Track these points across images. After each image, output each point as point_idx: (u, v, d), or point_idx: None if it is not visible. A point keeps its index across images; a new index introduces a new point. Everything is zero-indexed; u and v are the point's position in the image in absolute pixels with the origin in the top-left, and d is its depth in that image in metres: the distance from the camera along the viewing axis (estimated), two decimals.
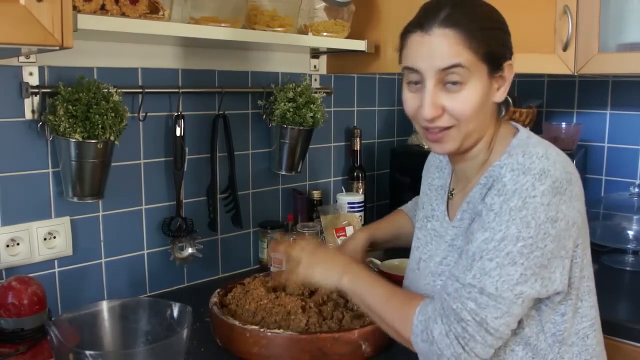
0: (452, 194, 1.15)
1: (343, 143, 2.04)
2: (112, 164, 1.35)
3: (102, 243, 1.46)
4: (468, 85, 0.98)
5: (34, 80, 1.30)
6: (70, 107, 1.24)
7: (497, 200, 0.93)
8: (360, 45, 1.73)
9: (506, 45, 1.02)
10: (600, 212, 1.86)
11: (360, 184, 2.00)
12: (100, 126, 1.25)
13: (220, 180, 1.65)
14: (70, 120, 1.23)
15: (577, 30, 1.68)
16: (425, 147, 1.89)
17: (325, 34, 1.67)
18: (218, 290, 1.34)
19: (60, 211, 1.37)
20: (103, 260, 1.46)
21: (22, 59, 1.28)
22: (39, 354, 1.13)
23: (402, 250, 1.45)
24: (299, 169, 1.78)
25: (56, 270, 1.39)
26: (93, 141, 1.26)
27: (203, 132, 1.62)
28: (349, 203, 1.87)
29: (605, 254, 1.79)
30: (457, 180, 1.15)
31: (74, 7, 1.10)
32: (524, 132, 1.05)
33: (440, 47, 0.97)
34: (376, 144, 2.18)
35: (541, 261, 0.92)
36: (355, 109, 2.08)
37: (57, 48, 1.01)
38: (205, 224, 1.63)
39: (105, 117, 1.25)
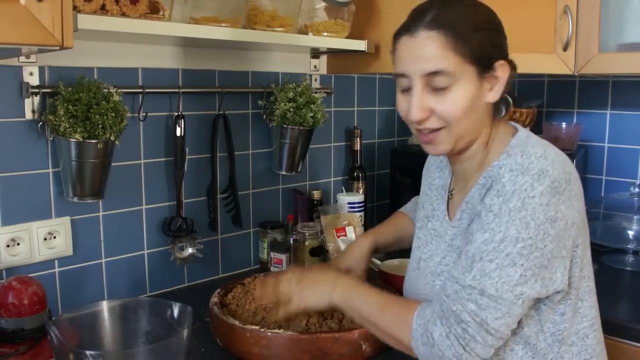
0: (452, 194, 1.15)
1: (343, 143, 2.04)
2: (113, 164, 1.35)
3: (102, 243, 1.46)
4: (455, 88, 0.98)
5: (34, 80, 1.30)
6: (70, 107, 1.24)
7: (497, 201, 0.93)
8: (360, 45, 1.72)
9: (497, 45, 1.01)
10: (601, 212, 1.86)
11: (361, 184, 2.00)
12: (100, 126, 1.25)
13: (221, 180, 1.65)
14: (71, 120, 1.23)
15: (578, 30, 1.68)
16: None
17: (325, 34, 1.67)
18: (218, 290, 1.34)
19: (60, 211, 1.37)
20: (103, 260, 1.46)
21: (22, 59, 1.28)
22: (39, 354, 1.13)
23: (403, 250, 1.45)
24: (299, 169, 1.78)
25: (56, 270, 1.39)
26: (93, 141, 1.26)
27: (203, 132, 1.62)
28: (349, 203, 1.87)
29: (605, 254, 1.79)
30: (456, 180, 1.15)
31: (74, 7, 1.10)
32: (523, 132, 1.05)
33: (425, 49, 0.98)
34: (376, 144, 2.18)
35: (541, 261, 0.92)
36: (356, 109, 2.07)
37: (58, 48, 1.01)
38: (205, 224, 1.63)
39: (105, 117, 1.25)
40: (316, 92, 1.82)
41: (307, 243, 1.68)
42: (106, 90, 1.30)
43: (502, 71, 1.01)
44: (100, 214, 1.45)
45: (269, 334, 1.13)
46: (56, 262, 1.38)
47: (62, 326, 1.00)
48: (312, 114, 1.68)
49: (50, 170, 1.35)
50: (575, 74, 1.71)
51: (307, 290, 1.13)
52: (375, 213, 2.16)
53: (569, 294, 0.99)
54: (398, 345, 1.03)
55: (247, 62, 1.72)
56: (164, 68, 1.53)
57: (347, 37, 1.72)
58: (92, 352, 0.92)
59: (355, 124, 2.06)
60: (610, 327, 1.29)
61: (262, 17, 1.52)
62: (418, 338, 0.97)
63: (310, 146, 1.79)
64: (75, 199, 1.31)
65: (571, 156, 1.84)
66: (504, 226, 0.92)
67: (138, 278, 1.54)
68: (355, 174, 2.01)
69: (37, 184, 1.34)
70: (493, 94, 1.02)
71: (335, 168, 2.03)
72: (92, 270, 1.45)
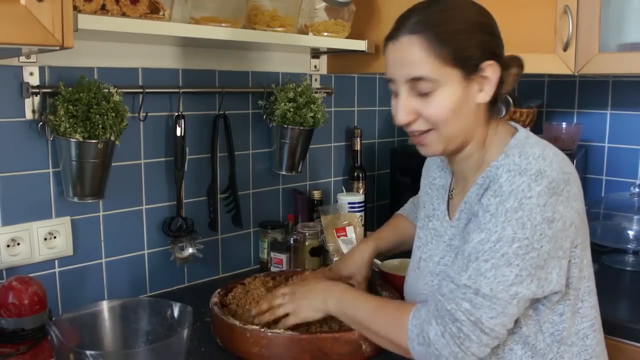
0: (452, 194, 1.15)
1: (343, 143, 2.04)
2: (113, 164, 1.35)
3: (102, 243, 1.46)
4: (439, 92, 0.98)
5: (34, 80, 1.30)
6: (70, 107, 1.24)
7: (493, 202, 0.93)
8: (360, 45, 1.72)
9: (482, 46, 0.99)
10: (601, 212, 1.85)
11: (361, 184, 2.00)
12: (100, 126, 1.25)
13: (221, 180, 1.65)
14: (71, 120, 1.23)
15: (578, 30, 1.68)
16: None
17: (325, 34, 1.67)
18: (218, 290, 1.34)
19: (60, 211, 1.37)
20: (103, 260, 1.46)
21: (22, 59, 1.28)
22: (39, 354, 1.13)
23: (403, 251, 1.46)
24: (299, 169, 1.78)
25: (57, 270, 1.39)
26: (93, 141, 1.26)
27: (203, 132, 1.62)
28: (349, 203, 1.87)
29: (605, 254, 1.79)
30: (457, 180, 1.15)
31: (75, 7, 1.10)
32: (523, 132, 1.05)
33: (406, 54, 0.98)
34: (377, 144, 2.18)
35: (537, 262, 0.92)
36: (356, 109, 2.07)
37: (58, 48, 1.01)
38: (205, 224, 1.63)
39: (105, 117, 1.25)
40: (316, 92, 1.82)
41: (307, 243, 1.68)
42: (106, 90, 1.30)
43: (491, 71, 1.00)
44: (101, 214, 1.45)
45: (269, 334, 1.13)
46: (56, 262, 1.38)
47: (63, 326, 1.00)
48: (312, 114, 1.68)
49: (51, 170, 1.35)
50: (576, 74, 1.71)
51: (301, 301, 1.16)
52: (375, 213, 2.16)
53: (567, 294, 0.99)
54: (395, 348, 1.04)
55: (247, 62, 1.72)
56: (164, 68, 1.53)
57: (347, 37, 1.72)
58: (92, 352, 0.92)
59: (356, 124, 2.06)
60: (610, 327, 1.29)
61: (262, 17, 1.52)
62: (414, 338, 0.98)
63: (311, 146, 1.79)
64: (76, 199, 1.31)
65: (571, 156, 1.84)
66: (500, 226, 0.92)
67: (138, 278, 1.54)
68: (355, 174, 2.01)
69: (38, 184, 1.34)
70: (483, 95, 1.01)
71: (336, 168, 2.03)
72: (92, 270, 1.45)
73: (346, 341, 1.13)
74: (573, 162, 1.03)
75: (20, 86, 1.29)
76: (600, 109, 2.07)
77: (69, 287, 1.41)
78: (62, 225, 1.37)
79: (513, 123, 1.10)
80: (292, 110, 1.65)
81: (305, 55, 1.88)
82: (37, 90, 1.29)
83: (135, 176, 1.50)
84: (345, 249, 1.67)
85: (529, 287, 0.92)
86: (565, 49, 1.68)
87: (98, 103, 1.26)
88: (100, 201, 1.43)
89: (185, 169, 1.55)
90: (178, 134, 1.52)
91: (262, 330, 1.14)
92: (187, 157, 1.56)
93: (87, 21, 1.13)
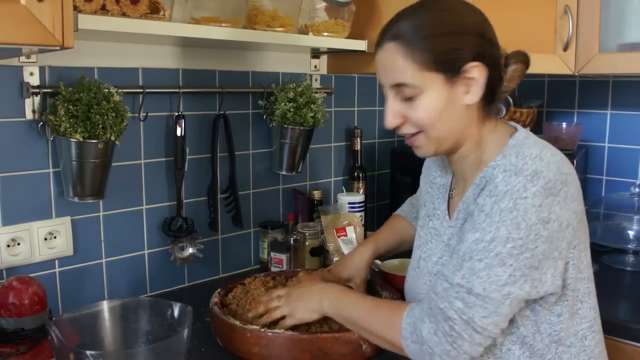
0: (452, 194, 1.16)
1: (343, 143, 2.04)
2: (113, 164, 1.35)
3: (102, 243, 1.46)
4: (422, 96, 0.99)
5: (34, 80, 1.30)
6: (71, 107, 1.24)
7: (489, 201, 0.94)
8: (360, 45, 1.72)
9: (463, 48, 0.98)
10: (601, 212, 1.86)
11: (361, 184, 2.00)
12: (100, 126, 1.25)
13: (221, 180, 1.65)
14: (71, 120, 1.23)
15: (578, 30, 1.68)
16: None
17: (325, 34, 1.67)
18: (218, 290, 1.34)
19: (60, 211, 1.37)
20: (104, 260, 1.46)
21: (22, 59, 1.28)
22: (39, 354, 1.13)
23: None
24: (299, 169, 1.78)
25: (57, 270, 1.39)
26: (94, 141, 1.26)
27: (203, 132, 1.62)
28: (349, 203, 1.87)
29: (605, 254, 1.79)
30: (457, 180, 1.15)
31: (75, 7, 1.10)
32: (522, 133, 1.04)
33: (388, 61, 1.00)
34: (377, 144, 2.18)
35: (531, 262, 0.92)
36: (356, 109, 2.08)
37: (58, 48, 1.01)
38: (205, 224, 1.63)
39: (105, 117, 1.25)
40: (316, 92, 1.82)
41: (307, 243, 1.68)
42: (106, 90, 1.30)
43: (477, 72, 0.99)
44: (101, 214, 1.45)
45: (269, 334, 1.13)
46: (56, 262, 1.38)
47: (63, 326, 1.00)
48: (312, 114, 1.69)
49: (51, 170, 1.35)
50: (576, 74, 1.71)
51: (297, 303, 1.17)
52: (375, 213, 2.16)
53: (565, 295, 0.99)
54: (391, 347, 1.05)
55: (248, 62, 1.72)
56: (165, 68, 1.53)
57: (347, 37, 1.72)
58: (92, 352, 0.92)
59: (356, 124, 2.06)
60: (610, 327, 1.29)
61: (262, 17, 1.52)
62: (408, 337, 0.98)
63: (311, 146, 1.79)
64: (76, 199, 1.31)
65: (571, 156, 1.84)
66: (495, 226, 0.92)
67: (138, 278, 1.54)
68: (355, 174, 2.01)
69: (38, 184, 1.34)
70: (470, 97, 1.00)
71: (336, 168, 2.03)
72: (92, 270, 1.45)
73: (346, 341, 1.13)
74: (573, 162, 1.03)
75: (20, 86, 1.29)
76: (600, 109, 2.07)
77: (69, 287, 1.41)
78: (62, 225, 1.37)
79: (513, 123, 1.10)
80: (292, 110, 1.65)
81: (305, 55, 1.88)
82: (38, 90, 1.29)
83: (136, 176, 1.50)
84: (345, 249, 1.67)
85: (523, 288, 0.92)
86: (565, 49, 1.69)
87: (98, 103, 1.26)
88: (101, 201, 1.43)
89: (186, 169, 1.55)
90: (178, 134, 1.53)
91: (262, 330, 1.14)
92: (187, 157, 1.56)
93: (87, 21, 1.13)
